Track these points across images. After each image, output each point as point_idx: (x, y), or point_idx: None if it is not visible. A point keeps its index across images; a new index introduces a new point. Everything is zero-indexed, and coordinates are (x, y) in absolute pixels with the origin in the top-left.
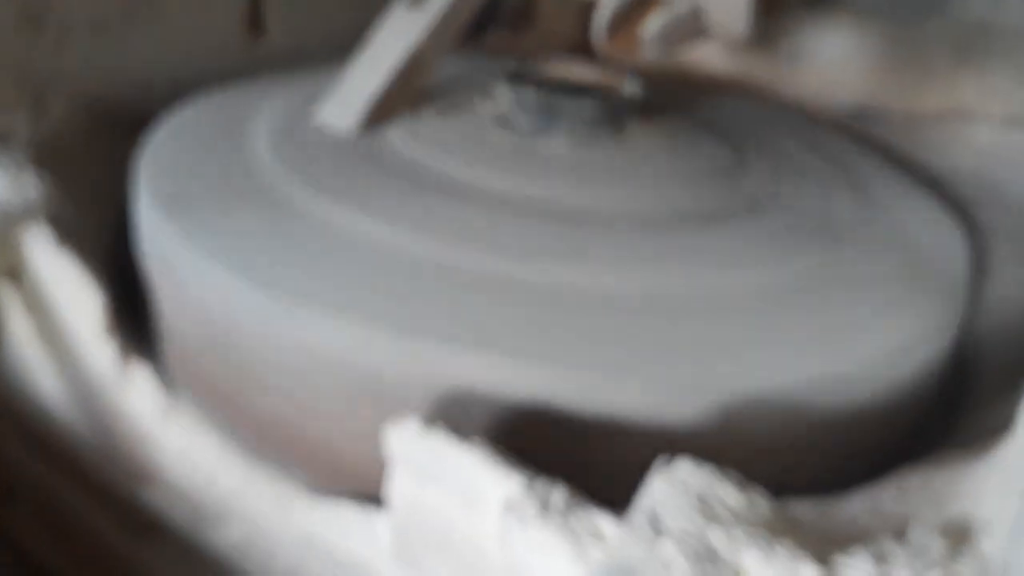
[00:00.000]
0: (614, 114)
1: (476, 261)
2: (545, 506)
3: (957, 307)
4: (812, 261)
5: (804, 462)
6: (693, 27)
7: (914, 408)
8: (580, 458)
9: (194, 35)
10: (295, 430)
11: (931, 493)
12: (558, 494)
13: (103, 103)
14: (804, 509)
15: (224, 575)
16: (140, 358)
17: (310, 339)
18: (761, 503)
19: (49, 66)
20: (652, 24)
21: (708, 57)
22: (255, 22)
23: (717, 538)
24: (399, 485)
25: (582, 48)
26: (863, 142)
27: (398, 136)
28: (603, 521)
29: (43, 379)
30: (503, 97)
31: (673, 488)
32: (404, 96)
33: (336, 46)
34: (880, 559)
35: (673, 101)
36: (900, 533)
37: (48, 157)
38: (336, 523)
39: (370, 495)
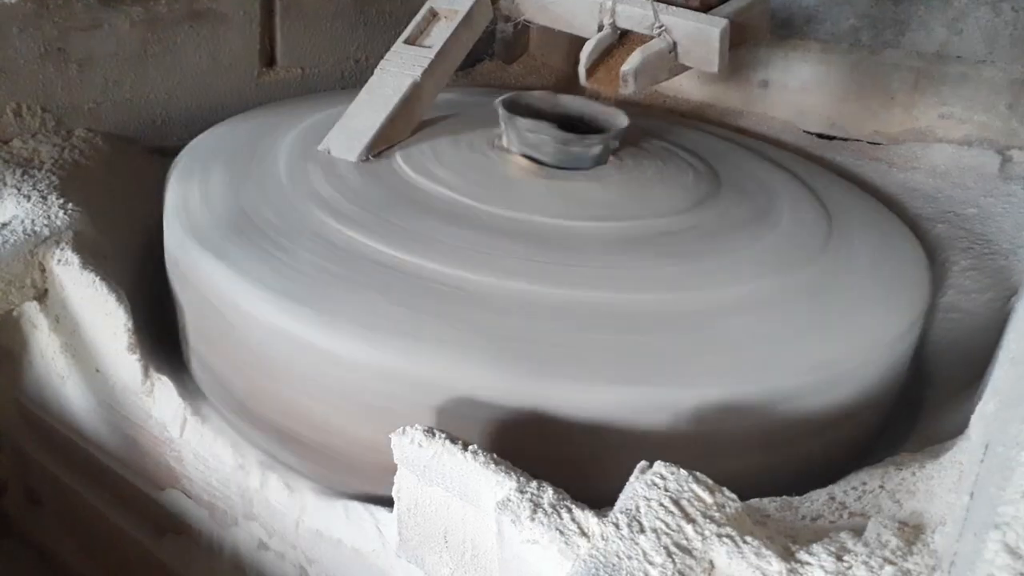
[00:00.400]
0: (601, 144)
1: (479, 277)
2: (536, 506)
3: (917, 317)
4: (783, 278)
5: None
6: (669, 65)
7: (876, 410)
8: (567, 459)
9: (208, 67)
10: (314, 435)
11: (890, 492)
12: (548, 495)
13: (123, 130)
14: (770, 507)
15: (242, 573)
16: (163, 370)
17: (332, 352)
18: (730, 502)
19: (72, 95)
20: (631, 62)
21: (684, 87)
22: (268, 55)
23: (690, 535)
24: (404, 486)
25: (571, 79)
26: (829, 164)
27: (400, 163)
28: (588, 519)
29: (68, 392)
30: (499, 126)
31: (650, 489)
32: (405, 126)
33: (338, 75)
34: (840, 554)
35: (652, 131)
36: (860, 529)
37: (71, 182)
38: (346, 521)
39: (378, 496)
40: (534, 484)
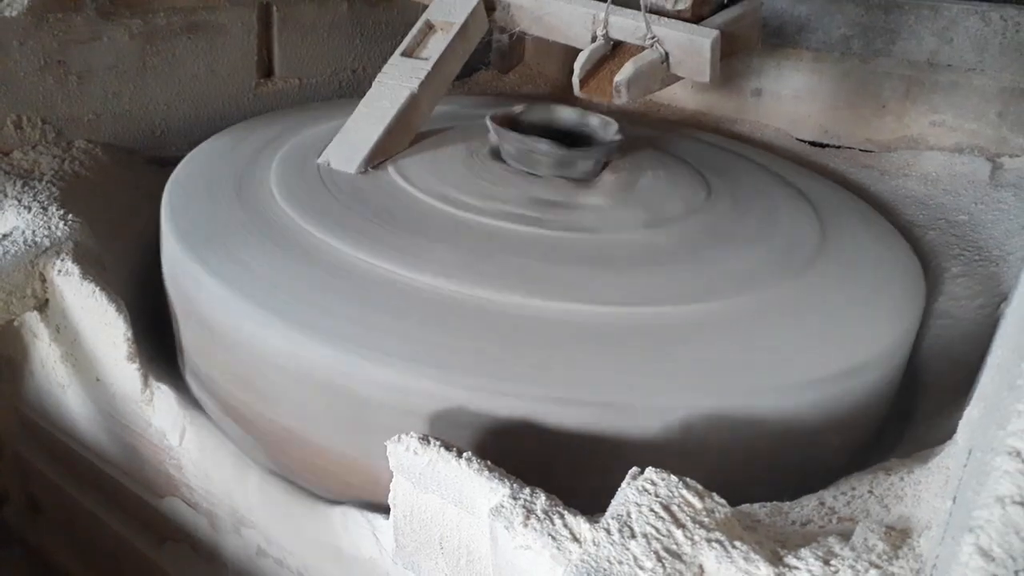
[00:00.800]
0: (594, 157)
1: (464, 290)
2: (529, 512)
3: (911, 323)
4: (776, 288)
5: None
6: (661, 75)
7: (871, 416)
8: (558, 467)
9: (207, 78)
10: (306, 443)
11: (878, 497)
12: (540, 502)
13: (123, 141)
14: (761, 512)
15: None
16: (162, 379)
17: (319, 364)
18: (720, 507)
19: (72, 107)
20: (624, 72)
21: (678, 96)
22: (266, 66)
23: (680, 540)
24: (399, 493)
25: (566, 88)
26: (822, 171)
27: (396, 175)
28: (580, 525)
29: (69, 400)
30: (491, 137)
31: (641, 495)
32: (403, 138)
33: (335, 85)
34: (827, 558)
35: (646, 141)
36: (848, 534)
37: (72, 193)
38: (343, 528)
39: (374, 503)
40: (527, 491)
